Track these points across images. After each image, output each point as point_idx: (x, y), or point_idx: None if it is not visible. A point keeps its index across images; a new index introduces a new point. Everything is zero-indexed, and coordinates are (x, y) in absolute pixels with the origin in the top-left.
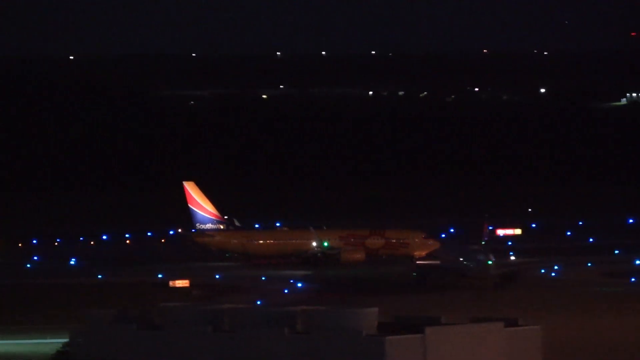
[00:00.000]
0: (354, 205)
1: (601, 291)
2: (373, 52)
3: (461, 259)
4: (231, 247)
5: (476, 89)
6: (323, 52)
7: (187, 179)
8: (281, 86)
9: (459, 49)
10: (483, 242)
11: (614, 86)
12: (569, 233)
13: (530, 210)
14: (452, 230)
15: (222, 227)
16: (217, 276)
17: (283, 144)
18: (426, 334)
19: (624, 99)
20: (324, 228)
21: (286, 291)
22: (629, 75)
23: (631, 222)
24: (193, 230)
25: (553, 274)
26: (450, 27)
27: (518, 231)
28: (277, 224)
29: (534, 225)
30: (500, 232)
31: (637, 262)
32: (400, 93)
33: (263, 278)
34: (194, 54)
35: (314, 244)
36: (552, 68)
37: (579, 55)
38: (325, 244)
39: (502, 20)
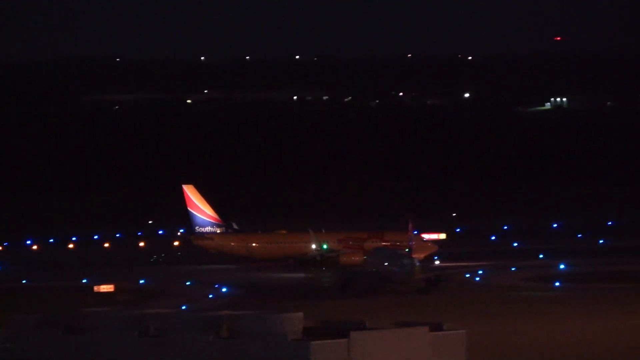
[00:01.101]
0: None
1: (524, 295)
2: (297, 57)
3: (386, 264)
4: (230, 250)
5: (400, 94)
6: (247, 57)
7: (187, 182)
8: (205, 91)
9: (384, 53)
10: (408, 247)
11: (538, 90)
12: (493, 238)
13: (454, 214)
14: None
15: (218, 230)
16: (142, 281)
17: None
18: (351, 339)
19: (548, 104)
20: (323, 231)
21: (211, 296)
22: (553, 80)
23: (555, 227)
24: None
25: (477, 279)
26: (374, 32)
27: (443, 236)
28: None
29: (458, 230)
30: (425, 236)
31: (562, 266)
32: (325, 98)
33: (188, 283)
34: (117, 59)
35: (314, 246)
36: (476, 73)
37: (503, 60)
38: (325, 246)
39: (426, 24)
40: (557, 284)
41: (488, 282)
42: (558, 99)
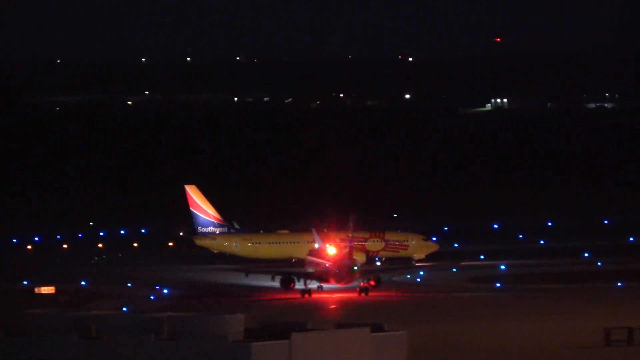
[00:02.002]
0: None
1: (465, 296)
2: (238, 58)
3: (327, 265)
4: (232, 250)
5: (341, 95)
6: (188, 58)
7: (189, 183)
8: (146, 92)
9: (324, 55)
10: (349, 246)
11: (479, 92)
12: (434, 238)
13: (395, 215)
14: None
15: (218, 230)
16: (82, 282)
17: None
18: (292, 340)
19: (489, 105)
20: (325, 231)
21: (153, 297)
22: (493, 81)
23: (495, 227)
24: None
25: (418, 280)
26: (315, 33)
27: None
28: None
29: (400, 231)
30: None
31: (502, 267)
32: (266, 99)
33: (129, 284)
34: (58, 60)
35: (316, 246)
36: (417, 74)
37: (444, 61)
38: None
39: (366, 26)
40: (497, 284)
41: (429, 283)
42: (498, 101)
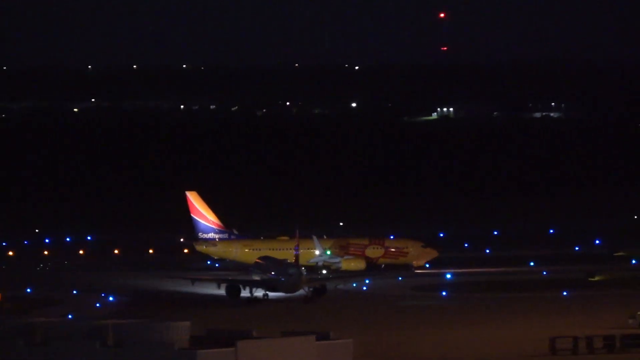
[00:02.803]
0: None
1: (411, 305)
2: (185, 66)
3: (273, 273)
4: (232, 257)
5: (287, 103)
6: (134, 66)
7: (190, 189)
8: (92, 100)
9: (270, 62)
10: (295, 255)
11: (425, 100)
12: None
13: (341, 224)
14: None
15: (218, 237)
16: (28, 289)
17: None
18: (238, 348)
19: (435, 113)
20: (324, 237)
21: (98, 305)
22: (440, 90)
23: (442, 236)
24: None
25: (364, 288)
26: (261, 41)
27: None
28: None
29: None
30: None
31: (448, 275)
32: (212, 107)
33: (75, 292)
34: (4, 67)
35: (317, 252)
36: (363, 82)
37: (390, 70)
38: (328, 252)
39: (311, 34)
40: (443, 293)
41: (375, 292)
42: (444, 109)
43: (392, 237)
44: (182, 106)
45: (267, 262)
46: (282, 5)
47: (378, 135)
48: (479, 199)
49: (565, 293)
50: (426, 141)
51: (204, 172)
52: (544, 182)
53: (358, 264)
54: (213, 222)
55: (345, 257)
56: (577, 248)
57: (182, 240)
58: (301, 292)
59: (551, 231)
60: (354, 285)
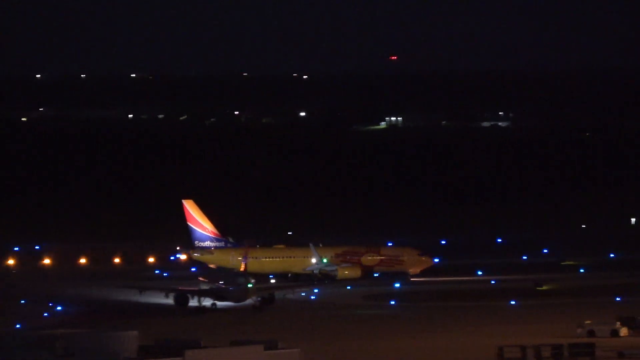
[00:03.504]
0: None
1: (360, 314)
2: (133, 75)
3: (221, 282)
4: (229, 265)
5: (236, 112)
6: (82, 75)
7: (186, 197)
8: (41, 109)
9: (219, 72)
10: (243, 264)
11: (374, 110)
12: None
13: (290, 233)
14: None
15: (215, 245)
16: None
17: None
18: (186, 357)
19: (384, 122)
20: (320, 245)
21: (46, 314)
22: (389, 99)
23: (390, 245)
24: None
25: (313, 297)
26: (209, 50)
27: None
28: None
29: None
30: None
31: (396, 284)
32: (160, 116)
33: (23, 301)
34: None
35: (314, 260)
36: (312, 92)
37: (339, 79)
38: (325, 260)
39: (260, 43)
40: (392, 302)
41: (324, 300)
42: (393, 118)
43: (390, 244)
44: (130, 115)
45: (215, 273)
46: (229, 14)
47: (327, 145)
48: (426, 208)
49: (513, 302)
50: (374, 150)
51: (158, 180)
52: (492, 191)
53: (354, 272)
54: (209, 230)
55: (342, 265)
56: (524, 257)
57: (178, 248)
58: (249, 301)
59: (499, 240)
60: (303, 294)
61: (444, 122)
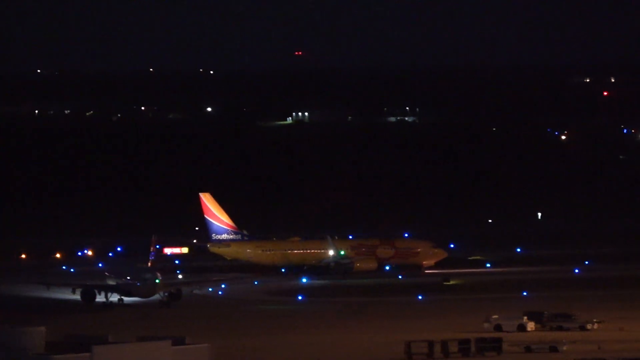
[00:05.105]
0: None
1: (267, 309)
2: (39, 71)
3: (128, 278)
4: (245, 257)
5: (143, 108)
6: None
7: (203, 190)
8: None
9: (126, 67)
10: (150, 260)
11: (281, 105)
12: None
13: (197, 229)
14: (119, 248)
15: (231, 238)
16: None
17: None
18: (94, 353)
19: (290, 118)
20: (336, 238)
21: None
22: (295, 94)
23: (405, 237)
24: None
25: (220, 293)
26: (115, 46)
27: (185, 250)
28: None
29: (201, 245)
30: (168, 250)
31: (304, 280)
32: (67, 111)
33: None
34: None
35: (331, 252)
36: (218, 87)
37: (245, 74)
38: (342, 252)
39: (166, 38)
40: (299, 297)
41: (231, 296)
42: (299, 114)
43: (406, 235)
44: (37, 111)
45: (124, 267)
46: (135, 9)
47: (234, 140)
48: (336, 203)
49: (420, 297)
50: (281, 145)
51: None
52: (398, 186)
53: (370, 264)
54: (226, 223)
55: (357, 258)
56: None
57: (194, 241)
58: (157, 296)
59: (406, 235)
60: (210, 290)
61: (350, 117)
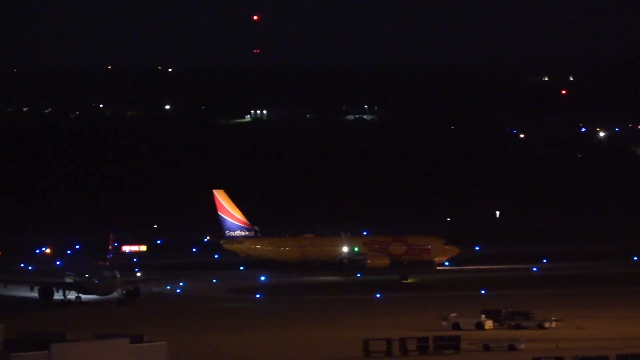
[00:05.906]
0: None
1: (225, 307)
2: None
3: (87, 275)
4: (258, 254)
5: (101, 105)
6: None
7: (217, 187)
8: None
9: (83, 64)
10: (109, 258)
11: (239, 103)
12: (194, 249)
13: (155, 226)
14: (77, 246)
15: (244, 235)
16: None
17: None
18: (52, 351)
19: (248, 116)
20: (349, 234)
21: None
22: (253, 92)
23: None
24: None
25: (178, 290)
26: (72, 42)
27: (143, 247)
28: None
29: (159, 242)
30: (126, 248)
31: (262, 278)
32: (25, 109)
33: None
34: None
35: (345, 249)
36: (176, 84)
37: (203, 72)
38: (356, 249)
39: (127, 35)
40: (257, 295)
41: (189, 294)
42: (258, 112)
43: (365, 233)
44: None
45: (82, 265)
46: (92, 6)
47: (191, 138)
48: (293, 202)
49: (378, 295)
50: (239, 143)
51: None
52: (356, 184)
53: (383, 261)
54: (239, 219)
55: (370, 254)
56: None
57: (208, 238)
58: (115, 294)
59: (365, 233)
60: (168, 287)
61: (308, 115)
